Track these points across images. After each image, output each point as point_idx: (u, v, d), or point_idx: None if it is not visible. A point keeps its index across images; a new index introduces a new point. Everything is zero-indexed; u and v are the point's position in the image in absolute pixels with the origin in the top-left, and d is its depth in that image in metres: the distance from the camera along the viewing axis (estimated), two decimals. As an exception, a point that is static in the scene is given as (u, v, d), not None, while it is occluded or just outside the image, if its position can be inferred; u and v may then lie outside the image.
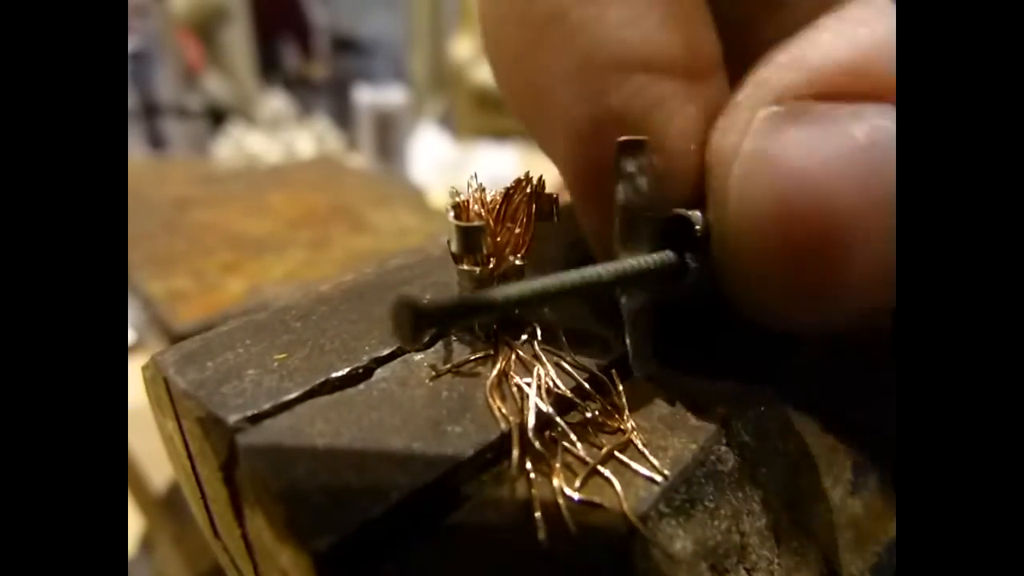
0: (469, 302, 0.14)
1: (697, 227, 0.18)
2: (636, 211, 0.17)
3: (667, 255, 0.18)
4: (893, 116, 0.15)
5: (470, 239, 0.17)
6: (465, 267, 0.18)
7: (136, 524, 0.65)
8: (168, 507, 0.61)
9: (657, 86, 0.17)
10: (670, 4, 0.18)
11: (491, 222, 0.18)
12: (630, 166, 0.17)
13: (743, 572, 0.17)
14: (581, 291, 0.16)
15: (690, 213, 0.18)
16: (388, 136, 2.11)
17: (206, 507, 0.18)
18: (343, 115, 2.47)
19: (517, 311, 0.18)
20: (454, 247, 0.17)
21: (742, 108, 0.17)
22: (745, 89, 0.17)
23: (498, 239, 0.18)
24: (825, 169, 0.15)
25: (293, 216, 0.69)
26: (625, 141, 0.17)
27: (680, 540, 0.15)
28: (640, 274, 0.17)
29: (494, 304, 0.14)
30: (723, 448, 0.18)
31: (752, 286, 0.17)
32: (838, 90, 0.16)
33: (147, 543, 0.66)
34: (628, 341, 0.18)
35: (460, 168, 1.71)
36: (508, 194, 0.18)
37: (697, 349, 0.20)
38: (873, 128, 0.15)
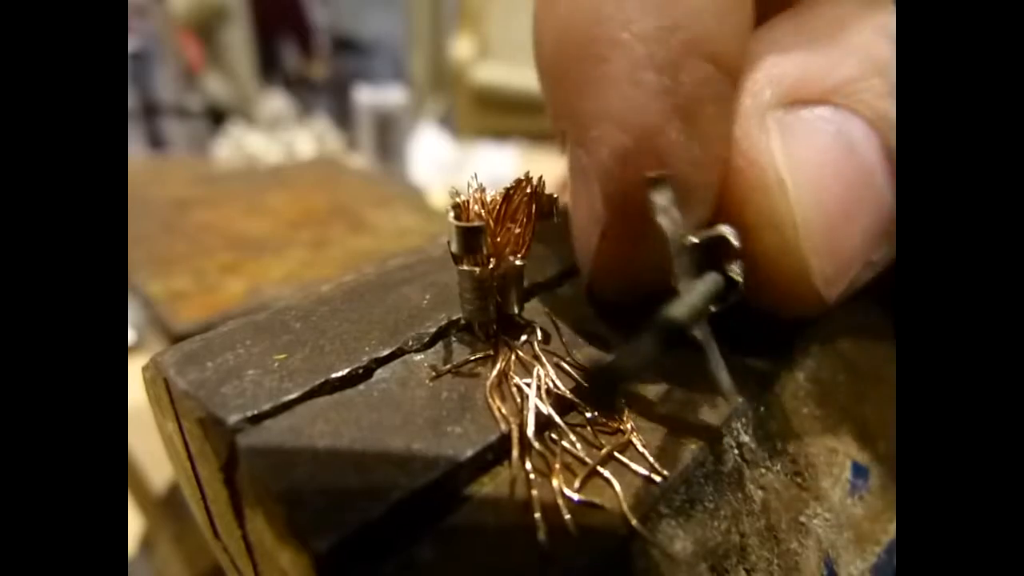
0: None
1: (735, 241, 0.18)
2: (680, 241, 0.18)
3: (718, 277, 0.18)
4: (833, 111, 0.19)
5: (470, 240, 0.17)
6: (465, 267, 0.18)
7: (136, 524, 0.65)
8: (168, 507, 0.61)
9: (722, 84, 0.18)
10: (747, 10, 0.19)
11: (491, 222, 0.18)
12: (662, 199, 0.17)
13: (743, 572, 0.17)
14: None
15: (725, 229, 0.18)
16: (388, 136, 2.11)
17: (206, 508, 0.18)
18: (343, 115, 2.47)
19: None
20: (454, 247, 0.17)
21: (751, 116, 0.19)
22: (746, 101, 0.19)
23: (498, 239, 0.18)
24: (836, 154, 0.19)
25: (293, 216, 0.69)
26: (651, 177, 0.17)
27: (680, 541, 0.15)
28: (709, 301, 0.17)
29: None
30: (723, 448, 0.18)
31: (805, 271, 0.19)
32: (797, 99, 0.19)
33: (147, 543, 0.66)
34: (715, 372, 0.17)
35: (460, 168, 1.71)
36: (508, 194, 0.18)
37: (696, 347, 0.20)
38: (831, 122, 0.19)
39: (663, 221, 0.17)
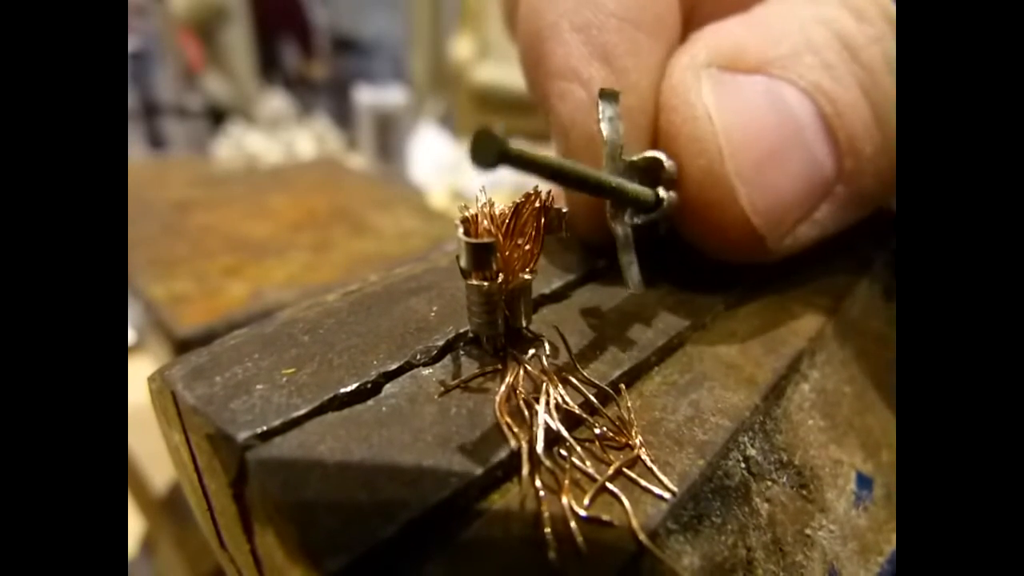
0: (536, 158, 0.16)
1: (668, 165, 0.21)
2: (617, 150, 0.21)
3: (646, 189, 0.21)
4: (767, 79, 0.22)
5: (480, 256, 0.17)
6: (474, 282, 0.18)
7: (136, 525, 0.65)
8: (169, 508, 0.61)
9: (633, 34, 0.23)
10: None
11: (500, 237, 0.18)
12: (609, 111, 0.20)
13: (749, 587, 0.17)
14: (589, 182, 0.18)
15: (658, 152, 0.22)
16: (388, 136, 2.11)
17: (212, 519, 0.18)
18: (343, 115, 2.47)
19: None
20: (463, 263, 0.17)
21: (687, 68, 0.23)
22: (682, 59, 0.23)
23: (507, 254, 0.18)
24: (762, 105, 0.22)
25: (294, 218, 0.69)
26: (604, 90, 0.20)
27: (688, 556, 0.16)
28: (627, 193, 0.20)
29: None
30: (730, 463, 0.18)
31: (731, 195, 0.22)
32: (733, 67, 0.22)
33: (148, 545, 0.66)
34: (621, 261, 0.20)
35: (460, 168, 1.70)
36: (517, 208, 0.18)
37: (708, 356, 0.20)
38: (762, 84, 0.22)
39: (605, 128, 0.20)
